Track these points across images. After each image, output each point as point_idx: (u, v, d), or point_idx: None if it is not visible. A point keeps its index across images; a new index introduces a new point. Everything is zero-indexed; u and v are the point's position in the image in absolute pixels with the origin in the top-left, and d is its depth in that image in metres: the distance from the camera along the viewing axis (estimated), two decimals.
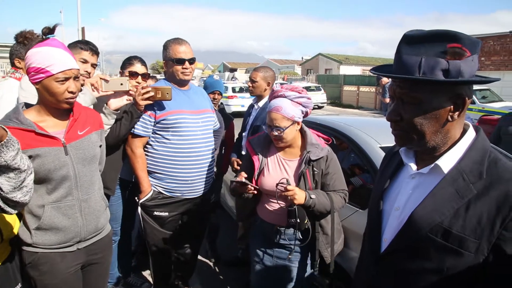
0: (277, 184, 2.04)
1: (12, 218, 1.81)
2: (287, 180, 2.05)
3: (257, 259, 2.34)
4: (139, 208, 2.63)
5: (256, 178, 2.26)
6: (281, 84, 2.33)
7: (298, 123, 2.20)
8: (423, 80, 1.02)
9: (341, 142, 2.99)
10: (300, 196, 2.02)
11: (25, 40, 2.73)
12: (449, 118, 1.06)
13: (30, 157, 1.69)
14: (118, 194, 2.89)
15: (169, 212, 2.63)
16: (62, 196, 1.79)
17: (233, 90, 17.52)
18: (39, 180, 1.74)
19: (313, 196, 2.08)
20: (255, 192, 2.18)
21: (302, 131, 2.28)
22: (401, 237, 1.13)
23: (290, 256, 2.21)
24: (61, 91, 1.71)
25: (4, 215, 1.76)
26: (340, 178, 2.25)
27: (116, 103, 2.34)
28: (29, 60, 1.70)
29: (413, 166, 1.17)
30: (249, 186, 2.11)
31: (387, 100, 8.76)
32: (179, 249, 2.95)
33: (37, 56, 1.68)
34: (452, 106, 1.05)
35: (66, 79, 1.71)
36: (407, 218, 1.11)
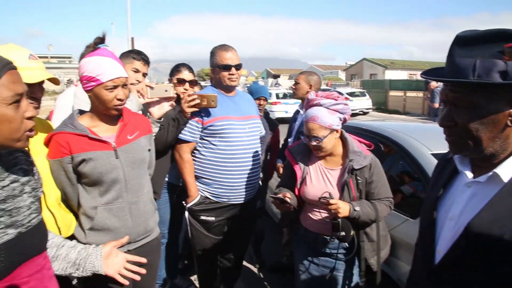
0: (319, 198, 2.02)
1: (69, 219, 1.91)
2: (329, 194, 2.02)
3: (302, 268, 2.31)
4: (186, 213, 2.69)
5: (298, 187, 2.24)
6: (323, 90, 2.29)
7: (337, 131, 2.14)
8: (477, 83, 0.96)
9: (389, 148, 2.91)
10: (344, 209, 1.99)
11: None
12: (509, 123, 0.98)
13: (83, 160, 1.79)
14: (166, 198, 2.97)
15: (215, 217, 2.67)
16: (113, 198, 1.87)
17: (277, 96, 17.52)
18: (92, 183, 1.83)
19: (357, 208, 2.04)
20: (293, 209, 2.16)
21: (342, 138, 2.22)
22: (456, 249, 1.06)
23: (334, 272, 2.19)
24: (110, 98, 1.79)
25: (63, 215, 1.86)
26: (385, 186, 2.19)
27: (157, 111, 2.40)
28: (81, 69, 1.80)
29: (469, 174, 1.10)
30: (288, 205, 2.09)
31: (436, 105, 8.44)
32: (224, 254, 2.98)
33: (89, 65, 1.77)
34: (511, 110, 0.98)
35: (115, 87, 1.79)
36: (463, 229, 1.04)
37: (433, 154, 2.51)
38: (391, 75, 34.68)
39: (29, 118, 1.11)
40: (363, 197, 2.15)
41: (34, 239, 1.21)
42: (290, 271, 3.24)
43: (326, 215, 2.12)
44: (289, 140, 3.56)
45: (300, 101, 3.63)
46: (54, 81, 1.78)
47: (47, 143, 1.82)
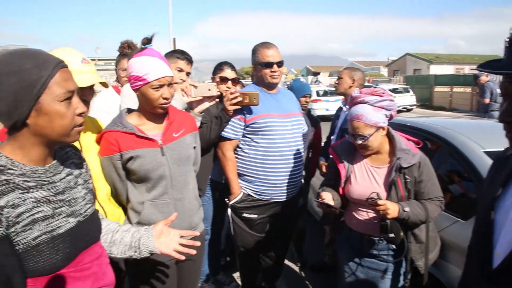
0: (367, 199, 1.96)
1: (118, 213, 1.98)
2: (377, 194, 1.95)
3: (347, 269, 2.27)
4: (229, 210, 2.71)
5: (343, 186, 2.19)
6: (365, 86, 2.23)
7: (383, 128, 2.07)
8: None
9: (436, 146, 2.79)
10: (393, 210, 1.92)
11: (127, 50, 2.95)
12: None
13: (131, 157, 1.85)
14: (209, 195, 3.02)
15: (258, 215, 2.68)
16: (159, 194, 1.92)
17: (317, 93, 17.33)
18: (140, 179, 1.90)
19: (407, 209, 1.96)
20: (338, 212, 2.14)
21: (389, 135, 2.14)
22: None
23: (384, 275, 2.12)
24: (156, 97, 1.84)
25: (112, 210, 1.94)
26: (435, 185, 2.10)
27: (198, 109, 2.45)
28: (129, 69, 1.86)
29: None
30: (334, 209, 2.06)
31: (487, 100, 8.02)
32: (266, 252, 2.98)
33: (136, 65, 1.83)
34: None
35: (161, 86, 1.83)
36: None
37: (486, 152, 2.39)
38: (436, 70, 33.32)
39: (79, 115, 1.16)
40: (412, 197, 2.07)
41: (91, 227, 1.29)
42: (332, 270, 3.20)
43: (373, 215, 2.06)
44: (332, 137, 3.51)
45: (342, 97, 3.56)
46: (104, 84, 1.85)
47: (98, 141, 1.90)
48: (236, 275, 3.57)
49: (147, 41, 1.92)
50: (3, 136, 1.15)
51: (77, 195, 1.25)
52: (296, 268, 3.92)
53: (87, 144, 1.86)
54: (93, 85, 1.75)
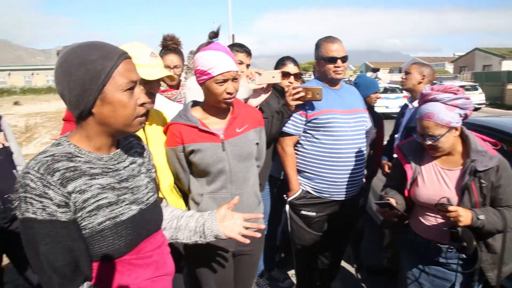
0: (436, 204, 1.82)
1: (180, 204, 2.03)
2: (448, 199, 1.81)
3: (410, 276, 2.14)
4: (287, 206, 2.68)
5: (408, 188, 2.06)
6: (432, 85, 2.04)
7: (456, 129, 1.90)
8: None
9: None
10: (465, 217, 1.77)
11: (171, 45, 2.96)
12: None
13: (193, 151, 1.88)
14: (267, 190, 3.00)
15: (316, 212, 2.62)
16: (218, 188, 1.94)
17: None
18: (200, 172, 1.93)
19: (481, 217, 1.79)
20: (401, 214, 2.00)
21: (463, 135, 1.97)
22: None
23: (453, 286, 1.97)
24: (220, 92, 1.84)
25: (175, 200, 1.98)
26: None
27: (255, 101, 2.42)
28: (195, 63, 1.88)
29: None
30: (396, 211, 1.93)
31: None
32: (323, 251, 2.92)
33: (201, 59, 1.84)
34: None
35: (225, 80, 1.82)
36: None
37: None
38: (509, 66, 30.93)
39: (141, 105, 1.18)
40: (487, 203, 1.89)
41: (153, 216, 1.31)
42: (390, 274, 3.06)
43: (443, 221, 1.92)
44: (396, 136, 3.35)
45: (403, 95, 3.41)
46: (171, 78, 1.88)
47: (165, 132, 1.96)
48: (291, 272, 3.54)
49: (214, 34, 1.93)
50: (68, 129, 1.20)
51: (140, 183, 1.28)
52: (352, 270, 3.81)
53: (152, 135, 1.91)
54: (160, 78, 1.78)
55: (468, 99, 1.89)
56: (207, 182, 1.95)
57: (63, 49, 1.16)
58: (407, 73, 3.26)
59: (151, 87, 1.74)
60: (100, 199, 1.12)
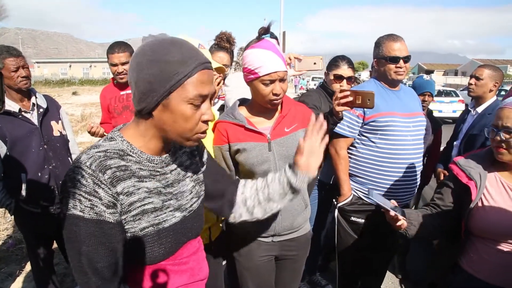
0: None
1: None
2: None
3: None
4: (336, 211, 2.58)
5: (467, 213, 1.71)
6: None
7: None
8: None
9: None
10: None
11: (225, 44, 2.89)
12: None
13: (238, 150, 1.84)
14: (315, 194, 2.91)
15: (366, 219, 2.50)
16: None
17: None
18: (246, 172, 1.88)
19: None
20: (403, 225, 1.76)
21: None
22: None
23: None
24: (266, 93, 1.77)
25: None
26: None
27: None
28: (244, 60, 1.83)
29: None
30: (400, 222, 1.73)
31: None
32: (369, 259, 2.80)
33: (250, 57, 1.79)
34: None
35: (271, 81, 1.76)
36: None
37: None
38: None
39: (205, 122, 1.10)
40: None
41: (194, 223, 1.26)
42: None
43: None
44: (455, 143, 3.15)
45: (459, 99, 3.16)
46: (220, 70, 1.84)
47: (213, 130, 1.93)
48: (332, 277, 3.44)
49: (264, 31, 1.86)
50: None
51: (184, 188, 1.23)
52: (397, 280, 3.64)
53: None
54: None
55: None
56: None
57: (149, 36, 1.10)
58: (478, 78, 2.97)
59: None
60: (146, 204, 1.08)
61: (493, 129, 1.66)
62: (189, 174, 1.27)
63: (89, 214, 0.98)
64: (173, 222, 1.15)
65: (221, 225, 2.07)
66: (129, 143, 1.10)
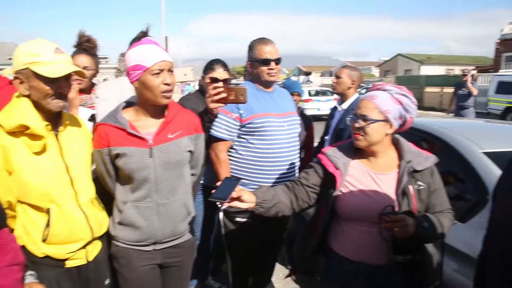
0: (380, 215, 1.60)
1: (101, 217, 1.87)
2: (392, 208, 1.64)
3: None
4: (221, 214, 2.59)
5: (332, 199, 1.82)
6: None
7: (390, 126, 1.77)
8: None
9: (432, 146, 2.72)
10: (412, 226, 1.59)
11: (86, 44, 2.76)
12: None
13: (118, 155, 1.77)
14: (200, 200, 2.89)
15: (250, 218, 2.56)
16: (142, 197, 1.83)
17: (309, 93, 17.39)
18: (125, 178, 1.83)
19: (425, 224, 1.64)
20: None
21: (394, 141, 1.86)
22: None
23: None
24: (156, 84, 1.74)
25: (96, 213, 1.82)
26: (445, 194, 1.84)
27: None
28: (126, 62, 1.79)
29: None
30: (245, 205, 1.74)
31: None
32: (258, 255, 2.89)
33: (133, 55, 1.76)
34: None
35: (161, 71, 1.74)
36: None
37: (485, 153, 2.32)
38: (427, 70, 33.57)
39: None
40: (422, 210, 1.77)
41: None
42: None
43: (374, 235, 1.70)
44: (326, 138, 3.43)
45: (334, 97, 3.49)
46: (80, 74, 1.73)
47: (93, 132, 1.86)
48: (225, 279, 3.47)
49: (143, 34, 1.85)
50: None
51: None
52: (287, 272, 3.82)
53: (67, 144, 1.73)
54: (69, 76, 1.63)
55: (414, 103, 1.85)
56: (131, 189, 1.84)
57: None
58: (338, 77, 3.32)
59: (59, 87, 1.59)
60: None
61: (353, 117, 1.82)
62: None
63: None
64: None
65: (100, 242, 1.92)
66: None
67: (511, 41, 22.91)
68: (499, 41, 24.64)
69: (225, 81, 2.76)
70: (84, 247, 1.79)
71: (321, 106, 15.95)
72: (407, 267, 1.72)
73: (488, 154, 2.30)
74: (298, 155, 2.67)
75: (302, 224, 4.24)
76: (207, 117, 2.20)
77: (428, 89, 23.98)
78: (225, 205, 1.72)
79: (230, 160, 2.55)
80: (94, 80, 2.97)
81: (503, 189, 1.19)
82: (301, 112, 3.72)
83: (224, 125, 2.46)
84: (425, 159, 1.77)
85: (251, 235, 2.64)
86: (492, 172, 2.17)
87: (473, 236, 1.90)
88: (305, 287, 3.56)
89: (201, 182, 2.81)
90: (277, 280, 3.52)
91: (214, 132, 2.47)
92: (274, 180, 2.51)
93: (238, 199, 1.73)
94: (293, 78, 3.72)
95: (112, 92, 2.29)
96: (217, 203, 1.70)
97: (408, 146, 1.83)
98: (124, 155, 1.77)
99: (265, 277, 3.07)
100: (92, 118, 2.29)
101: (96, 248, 1.87)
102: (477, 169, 2.25)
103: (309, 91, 17.53)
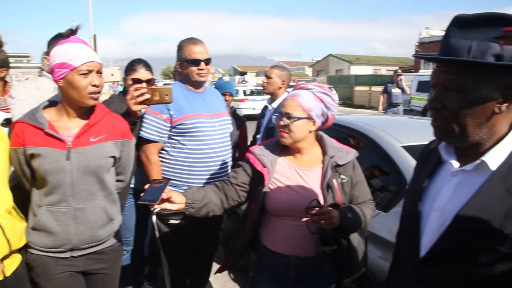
0: (307, 209, 1.64)
1: (20, 228, 1.76)
2: (318, 201, 1.70)
3: None
4: (154, 217, 2.54)
5: (262, 196, 1.86)
6: (290, 86, 2.09)
7: (314, 123, 1.83)
8: (472, 62, 0.94)
9: (358, 142, 2.87)
10: (337, 218, 1.66)
11: None
12: (496, 110, 0.96)
13: (33, 155, 1.68)
14: (131, 203, 2.79)
15: (184, 220, 2.52)
16: (56, 201, 1.75)
17: (244, 93, 17.53)
18: (39, 180, 1.74)
19: (349, 215, 1.72)
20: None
21: (317, 138, 1.94)
22: (445, 240, 1.03)
23: None
24: (84, 84, 1.68)
25: (13, 223, 1.70)
26: (367, 186, 1.96)
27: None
28: (52, 59, 1.70)
29: (455, 163, 1.07)
30: (175, 206, 1.71)
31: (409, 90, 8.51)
32: (194, 256, 2.86)
33: (60, 52, 1.69)
34: (501, 98, 0.95)
35: (89, 71, 1.68)
36: (451, 219, 1.01)
37: (404, 147, 2.50)
38: (356, 70, 35.35)
39: None
40: (346, 202, 1.86)
41: None
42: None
43: (303, 228, 1.76)
44: (258, 136, 3.48)
45: (268, 96, 3.54)
46: None
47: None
48: (161, 283, 3.39)
49: (71, 32, 1.80)
50: None
51: None
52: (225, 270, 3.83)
53: None
54: None
55: (335, 101, 1.91)
56: (46, 192, 1.74)
57: None
58: (268, 77, 3.37)
59: None
60: None
61: (278, 116, 1.87)
62: None
63: None
64: None
65: (20, 255, 1.79)
66: None
67: (428, 44, 24.90)
68: (418, 44, 26.65)
69: (148, 81, 2.64)
70: (0, 261, 1.65)
71: (257, 106, 16.06)
72: (335, 257, 1.80)
73: (407, 148, 2.47)
74: (230, 154, 2.69)
75: (237, 223, 4.29)
76: (129, 120, 2.07)
77: (358, 88, 25.30)
78: (157, 208, 1.67)
79: (162, 161, 2.50)
80: (14, 81, 2.78)
81: (412, 177, 1.31)
82: (233, 112, 3.75)
83: (154, 126, 2.40)
84: (347, 154, 1.87)
85: (186, 237, 2.61)
86: (410, 164, 2.34)
87: (395, 224, 1.98)
88: (244, 285, 3.58)
89: (132, 186, 2.71)
90: (215, 280, 3.51)
91: (144, 133, 2.41)
92: (206, 181, 2.50)
93: (168, 200, 1.69)
94: (225, 78, 3.75)
95: (30, 93, 2.15)
96: (148, 206, 1.65)
97: (331, 142, 1.92)
98: (39, 156, 1.68)
99: (203, 277, 3.05)
100: (7, 122, 2.13)
101: (15, 261, 1.75)
102: (397, 162, 2.42)
103: (244, 90, 17.69)
